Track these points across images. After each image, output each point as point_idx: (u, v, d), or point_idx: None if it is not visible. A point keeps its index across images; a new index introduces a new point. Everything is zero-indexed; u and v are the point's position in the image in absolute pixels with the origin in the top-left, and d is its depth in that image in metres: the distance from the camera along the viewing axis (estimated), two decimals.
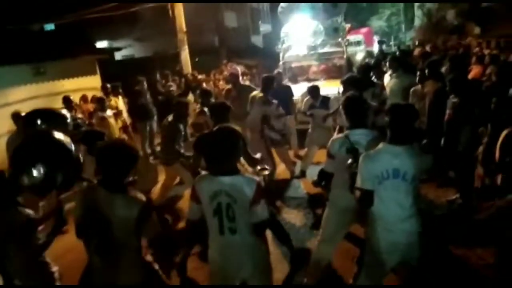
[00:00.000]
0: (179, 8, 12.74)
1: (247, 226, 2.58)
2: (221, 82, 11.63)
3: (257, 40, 26.36)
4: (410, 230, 2.74)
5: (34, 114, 3.67)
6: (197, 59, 15.32)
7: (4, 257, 2.81)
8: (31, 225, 2.85)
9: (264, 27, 28.09)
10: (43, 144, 2.75)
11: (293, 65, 10.15)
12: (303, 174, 6.59)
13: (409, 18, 32.03)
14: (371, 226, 2.91)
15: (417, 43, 15.69)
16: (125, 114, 9.12)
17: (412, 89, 5.84)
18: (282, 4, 11.21)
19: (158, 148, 8.16)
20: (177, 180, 5.93)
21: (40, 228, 3.01)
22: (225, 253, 2.64)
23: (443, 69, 6.52)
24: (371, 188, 2.67)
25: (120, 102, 9.12)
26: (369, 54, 19.05)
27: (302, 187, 6.27)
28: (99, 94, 9.65)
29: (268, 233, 3.04)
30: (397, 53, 9.35)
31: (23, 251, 2.87)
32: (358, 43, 21.75)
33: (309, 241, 4.57)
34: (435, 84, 5.41)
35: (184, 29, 12.58)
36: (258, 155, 4.13)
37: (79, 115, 7.64)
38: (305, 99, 6.68)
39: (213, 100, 6.47)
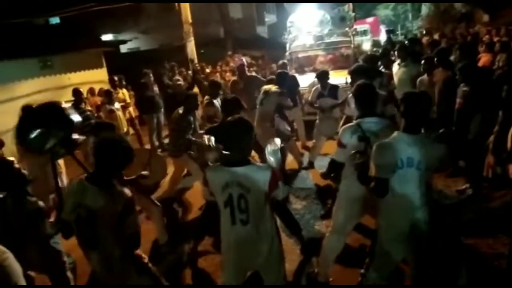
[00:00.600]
0: None
1: (259, 217, 2.60)
2: (227, 74, 11.60)
3: (262, 31, 26.22)
4: (422, 220, 2.73)
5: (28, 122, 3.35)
6: (202, 51, 15.28)
7: (20, 245, 2.87)
8: (40, 214, 2.90)
9: (269, 18, 27.90)
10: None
11: (300, 55, 10.07)
12: (311, 165, 6.58)
13: (416, 7, 31.62)
14: (382, 215, 2.89)
15: (424, 31, 15.48)
16: (131, 107, 9.16)
17: (418, 79, 5.78)
18: None
19: (166, 141, 8.19)
20: (185, 172, 5.96)
21: (51, 220, 3.06)
22: (237, 244, 2.66)
23: (452, 58, 6.44)
24: (386, 177, 2.64)
25: (127, 95, 9.15)
26: (376, 43, 18.90)
27: (311, 178, 6.25)
28: (106, 87, 9.68)
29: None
30: (406, 42, 9.22)
31: (34, 239, 2.93)
32: (364, 32, 21.59)
33: (318, 232, 4.57)
34: (445, 72, 5.35)
35: (190, 20, 12.53)
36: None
37: (88, 108, 7.66)
38: (313, 88, 6.63)
39: (221, 92, 6.46)
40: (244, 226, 2.59)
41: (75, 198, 2.52)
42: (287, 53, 10.33)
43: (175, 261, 4.31)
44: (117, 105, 7.99)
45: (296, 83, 7.51)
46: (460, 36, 11.72)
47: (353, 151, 2.86)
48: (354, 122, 3.23)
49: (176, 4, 12.75)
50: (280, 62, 8.31)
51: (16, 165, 3.05)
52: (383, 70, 6.83)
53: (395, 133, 2.71)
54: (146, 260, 2.88)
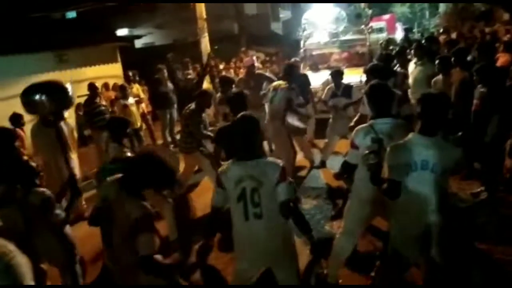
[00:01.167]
0: None
1: (272, 211, 2.62)
2: (241, 70, 11.57)
3: (277, 27, 26.09)
4: (435, 224, 2.68)
5: (32, 90, 3.71)
6: (216, 47, 15.26)
7: (32, 236, 2.91)
8: (49, 204, 2.96)
9: (284, 14, 27.75)
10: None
11: (314, 52, 9.99)
12: (323, 164, 6.53)
13: (433, 4, 31.12)
14: (395, 218, 2.85)
15: (441, 30, 15.20)
16: (145, 102, 9.21)
17: (433, 79, 5.67)
18: None
19: (178, 136, 8.22)
20: (195, 168, 5.97)
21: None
22: (250, 239, 2.69)
23: (470, 58, 6.31)
24: (399, 179, 2.60)
25: (140, 90, 9.19)
26: (391, 41, 18.65)
27: (322, 177, 6.21)
28: (120, 81, 9.74)
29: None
30: (423, 40, 9.05)
31: (45, 228, 2.97)
32: (380, 30, 21.32)
33: (329, 232, 4.54)
34: (462, 73, 5.25)
35: (204, 16, 12.51)
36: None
37: (103, 102, 7.72)
38: (327, 87, 6.57)
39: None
40: (258, 220, 2.62)
41: (104, 196, 2.59)
42: (301, 50, 10.27)
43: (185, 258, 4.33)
44: (131, 100, 8.04)
45: (307, 81, 7.45)
46: (479, 35, 11.48)
47: (365, 152, 2.82)
48: (367, 123, 3.18)
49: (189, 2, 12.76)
50: (292, 59, 8.24)
51: (24, 157, 3.11)
52: (398, 69, 6.74)
53: (410, 135, 2.66)
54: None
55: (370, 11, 11.47)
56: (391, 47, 11.29)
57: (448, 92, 5.32)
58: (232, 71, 11.44)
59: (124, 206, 2.45)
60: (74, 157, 5.29)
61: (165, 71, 8.37)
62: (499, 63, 7.25)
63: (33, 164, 3.17)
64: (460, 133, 2.82)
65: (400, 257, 2.86)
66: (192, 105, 5.29)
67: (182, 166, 5.68)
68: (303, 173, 6.47)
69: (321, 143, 6.88)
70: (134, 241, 2.39)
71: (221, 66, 11.93)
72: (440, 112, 2.61)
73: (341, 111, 6.13)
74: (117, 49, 12.48)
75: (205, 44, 12.47)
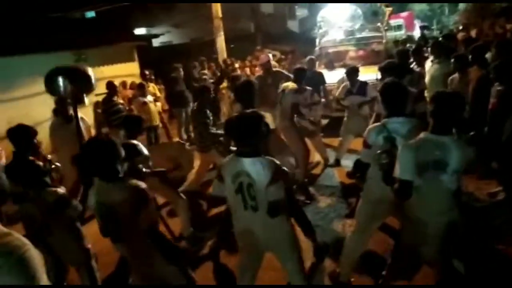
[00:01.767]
0: None
1: (266, 206, 2.67)
2: (257, 68, 11.58)
3: (293, 25, 26.01)
4: (448, 223, 2.65)
5: (56, 72, 3.83)
6: (232, 46, 15.32)
7: (47, 234, 2.98)
8: (62, 201, 3.02)
9: (301, 12, 27.63)
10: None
11: (330, 50, 9.94)
12: (337, 162, 6.51)
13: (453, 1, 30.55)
14: (407, 217, 2.84)
15: (461, 27, 14.93)
16: (160, 101, 9.31)
17: (450, 78, 5.59)
18: None
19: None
20: (210, 166, 6.02)
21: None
22: (249, 228, 2.81)
23: (489, 55, 6.19)
24: (410, 179, 2.57)
25: (156, 89, 9.30)
26: (409, 39, 18.40)
27: (337, 176, 6.19)
28: (137, 80, 9.87)
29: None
30: (440, 38, 8.92)
31: (60, 227, 3.04)
32: (398, 27, 21.05)
33: (342, 231, 4.53)
34: (479, 71, 5.16)
35: (220, 15, 12.58)
36: None
37: (121, 101, 7.84)
38: (342, 85, 6.53)
39: None
40: (255, 212, 2.71)
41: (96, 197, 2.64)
42: (316, 48, 10.22)
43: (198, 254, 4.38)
44: (150, 97, 8.15)
45: (322, 79, 7.41)
46: (500, 32, 11.23)
47: (378, 152, 2.80)
48: (381, 122, 3.16)
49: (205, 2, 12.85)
50: (308, 58, 8.20)
51: (30, 158, 3.16)
52: (415, 67, 6.66)
53: (422, 134, 2.63)
54: (174, 245, 2.94)
55: (389, 9, 11.29)
56: (407, 45, 11.13)
57: (465, 90, 5.25)
58: (247, 69, 11.46)
59: (114, 193, 2.53)
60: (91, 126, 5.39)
61: (181, 69, 8.45)
62: None
63: (39, 163, 3.20)
64: (472, 133, 2.77)
65: (411, 256, 2.85)
66: (195, 106, 5.34)
67: (197, 164, 5.75)
68: (317, 171, 6.46)
69: (335, 141, 6.84)
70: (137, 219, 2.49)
71: (237, 65, 11.98)
72: (452, 112, 2.57)
73: (356, 109, 6.10)
74: (135, 48, 12.64)
75: (221, 43, 12.56)
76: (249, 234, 2.84)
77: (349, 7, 9.98)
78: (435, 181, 2.58)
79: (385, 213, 3.35)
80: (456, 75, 5.50)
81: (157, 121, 8.17)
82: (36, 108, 8.48)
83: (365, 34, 9.82)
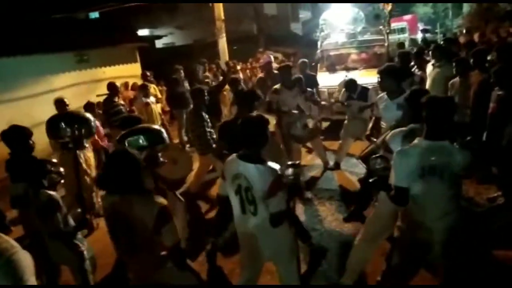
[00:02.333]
0: None
1: (265, 211, 2.64)
2: (258, 70, 11.60)
3: (296, 28, 26.03)
4: (446, 229, 2.63)
5: (58, 117, 3.93)
6: (235, 47, 15.33)
7: (40, 235, 2.97)
8: (51, 207, 2.99)
9: (304, 14, 27.67)
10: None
11: (332, 53, 9.91)
12: (337, 166, 6.49)
13: (457, 4, 30.45)
14: (404, 222, 2.82)
15: (464, 30, 14.88)
16: (161, 102, 9.32)
17: (450, 82, 5.57)
18: None
19: None
20: (210, 168, 6.01)
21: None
22: (249, 232, 2.78)
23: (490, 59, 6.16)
24: (405, 186, 2.57)
25: (157, 90, 9.31)
26: (413, 42, 18.37)
27: (336, 179, 6.17)
28: (139, 81, 9.89)
29: None
30: (441, 41, 8.90)
31: (48, 228, 3.02)
32: (402, 30, 21.04)
33: (340, 234, 4.51)
34: (481, 75, 5.13)
35: (222, 17, 12.59)
36: None
37: (121, 102, 7.85)
38: (343, 89, 6.52)
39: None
40: (254, 216, 2.69)
41: (107, 207, 2.56)
42: (318, 51, 10.22)
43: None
44: (152, 98, 8.16)
45: (314, 82, 7.38)
46: (504, 35, 11.18)
47: (373, 156, 2.79)
48: (407, 127, 3.06)
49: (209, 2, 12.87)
50: (300, 61, 8.19)
51: (35, 157, 3.16)
52: (416, 70, 6.64)
53: (417, 140, 2.62)
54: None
55: (389, 10, 11.20)
56: (410, 47, 11.11)
57: (466, 94, 5.25)
58: (248, 71, 11.46)
59: (133, 207, 2.37)
60: (90, 156, 5.39)
61: (182, 71, 8.45)
62: None
63: (48, 165, 3.20)
64: (469, 137, 2.74)
65: (409, 260, 2.83)
66: (190, 108, 5.32)
67: (196, 166, 5.74)
68: (317, 174, 6.44)
69: (335, 144, 6.83)
70: (156, 236, 2.38)
71: (239, 67, 11.99)
72: (444, 116, 2.56)
73: (356, 113, 6.07)
74: (136, 49, 12.68)
75: (223, 44, 12.57)
76: (249, 236, 2.82)
77: (351, 10, 9.97)
78: (432, 186, 2.56)
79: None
80: (457, 79, 5.48)
81: (158, 122, 8.17)
82: (38, 108, 8.50)
83: (367, 37, 9.80)
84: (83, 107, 6.63)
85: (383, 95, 4.47)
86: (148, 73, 9.75)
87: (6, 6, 10.04)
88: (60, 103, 5.69)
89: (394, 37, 15.16)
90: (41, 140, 5.74)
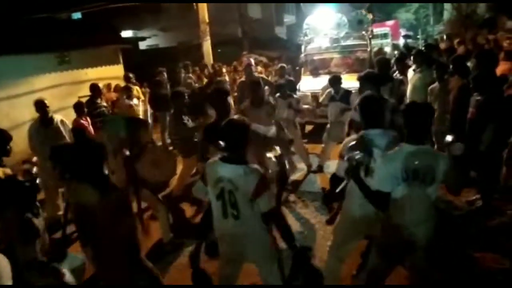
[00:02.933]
0: None
1: (249, 214, 2.66)
2: (241, 73, 11.59)
3: (280, 31, 26.15)
4: (425, 233, 2.70)
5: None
6: (219, 50, 15.32)
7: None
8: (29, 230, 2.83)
9: (289, 18, 27.83)
10: None
11: (315, 57, 10.00)
12: (320, 168, 6.54)
13: (438, 11, 31.09)
14: (385, 223, 2.84)
15: (445, 37, 15.18)
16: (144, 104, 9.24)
17: (430, 87, 5.68)
18: None
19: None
20: (193, 171, 5.98)
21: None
22: (229, 237, 2.78)
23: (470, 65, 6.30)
24: (388, 190, 2.62)
25: (140, 92, 9.23)
26: (395, 47, 18.65)
27: (319, 182, 6.22)
28: (122, 83, 9.79)
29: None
30: (423, 47, 9.07)
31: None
32: (384, 35, 21.31)
33: (323, 237, 4.54)
34: (460, 80, 5.24)
35: (207, 20, 12.58)
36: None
37: (104, 103, 7.76)
38: (326, 91, 6.59)
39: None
40: (235, 220, 2.69)
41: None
42: (302, 55, 10.30)
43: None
44: (135, 101, 8.08)
45: (292, 87, 7.41)
46: (483, 42, 11.43)
47: (349, 155, 2.79)
48: (358, 134, 3.12)
49: (195, 3, 12.83)
50: (279, 65, 8.23)
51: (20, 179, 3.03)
52: (398, 75, 6.74)
53: (400, 145, 2.68)
54: (142, 258, 2.89)
55: (370, 17, 11.36)
56: (395, 52, 11.23)
57: (445, 100, 5.35)
58: (232, 74, 11.45)
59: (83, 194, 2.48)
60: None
61: (165, 73, 8.41)
62: (499, 70, 7.23)
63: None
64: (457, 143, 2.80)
65: (385, 259, 2.87)
66: (172, 110, 5.30)
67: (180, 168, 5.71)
68: (300, 177, 6.48)
69: (318, 147, 6.88)
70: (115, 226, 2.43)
71: (224, 70, 11.97)
72: (423, 121, 2.65)
73: (338, 116, 6.14)
74: (120, 51, 12.55)
75: (207, 47, 12.55)
76: (229, 241, 2.82)
77: (335, 15, 10.06)
78: (415, 190, 2.61)
79: (364, 233, 3.30)
80: (436, 84, 5.59)
81: None
82: (18, 109, 8.35)
83: (350, 42, 9.90)
84: (73, 107, 6.50)
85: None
86: (131, 75, 9.65)
87: None
88: (40, 105, 5.59)
89: (377, 42, 15.35)
90: (20, 142, 5.68)
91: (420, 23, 34.63)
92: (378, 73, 5.43)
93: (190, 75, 9.79)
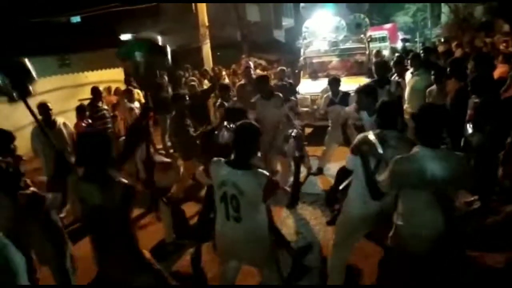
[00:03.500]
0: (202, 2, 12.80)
1: (251, 218, 2.69)
2: (240, 76, 11.64)
3: (279, 35, 26.21)
4: (439, 237, 2.65)
5: None
6: (219, 53, 15.37)
7: (23, 235, 2.93)
8: (36, 200, 2.96)
9: (287, 22, 27.90)
10: None
11: (314, 60, 10.06)
12: (320, 171, 6.59)
13: (435, 14, 31.25)
14: (398, 230, 2.77)
15: (442, 40, 15.29)
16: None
17: (428, 90, 5.74)
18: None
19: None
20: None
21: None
22: (230, 238, 2.81)
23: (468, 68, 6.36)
24: (393, 191, 2.66)
25: (141, 95, 9.28)
26: (393, 50, 18.73)
27: (319, 184, 6.27)
28: (122, 86, 9.84)
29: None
30: (420, 50, 9.14)
31: (35, 227, 2.99)
32: (383, 39, 21.38)
33: (324, 238, 4.59)
34: (457, 83, 5.31)
35: (206, 23, 12.64)
36: None
37: (105, 106, 7.80)
38: (325, 96, 6.64)
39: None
40: (237, 223, 2.71)
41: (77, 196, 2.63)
42: (301, 58, 10.36)
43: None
44: (136, 103, 8.13)
45: (292, 90, 7.46)
46: (480, 45, 11.53)
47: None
48: (375, 131, 3.12)
49: (193, 6, 12.87)
50: (278, 69, 8.29)
51: (3, 164, 3.08)
52: (396, 78, 6.80)
53: (416, 148, 2.62)
54: (150, 258, 2.93)
55: (367, 21, 11.41)
56: (394, 55, 11.29)
57: (442, 102, 5.40)
58: (231, 77, 11.51)
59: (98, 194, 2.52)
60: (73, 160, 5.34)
61: (165, 76, 8.45)
62: (496, 73, 7.31)
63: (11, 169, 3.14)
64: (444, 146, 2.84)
65: (403, 267, 2.81)
66: (173, 113, 5.35)
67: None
68: (300, 179, 6.50)
69: (319, 150, 6.93)
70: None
71: (224, 73, 12.03)
72: (440, 124, 2.63)
73: (339, 119, 6.18)
74: None
75: (207, 50, 12.60)
76: (229, 242, 2.84)
77: (333, 19, 10.13)
78: (429, 194, 2.56)
79: (365, 230, 3.34)
80: (434, 86, 5.65)
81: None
82: (18, 112, 8.36)
83: (348, 45, 9.97)
84: (75, 110, 6.55)
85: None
86: (131, 78, 9.71)
87: None
88: (43, 108, 5.64)
89: (375, 45, 15.40)
90: (21, 145, 5.71)
91: (418, 26, 34.74)
92: (373, 86, 5.49)
93: (193, 77, 9.83)
